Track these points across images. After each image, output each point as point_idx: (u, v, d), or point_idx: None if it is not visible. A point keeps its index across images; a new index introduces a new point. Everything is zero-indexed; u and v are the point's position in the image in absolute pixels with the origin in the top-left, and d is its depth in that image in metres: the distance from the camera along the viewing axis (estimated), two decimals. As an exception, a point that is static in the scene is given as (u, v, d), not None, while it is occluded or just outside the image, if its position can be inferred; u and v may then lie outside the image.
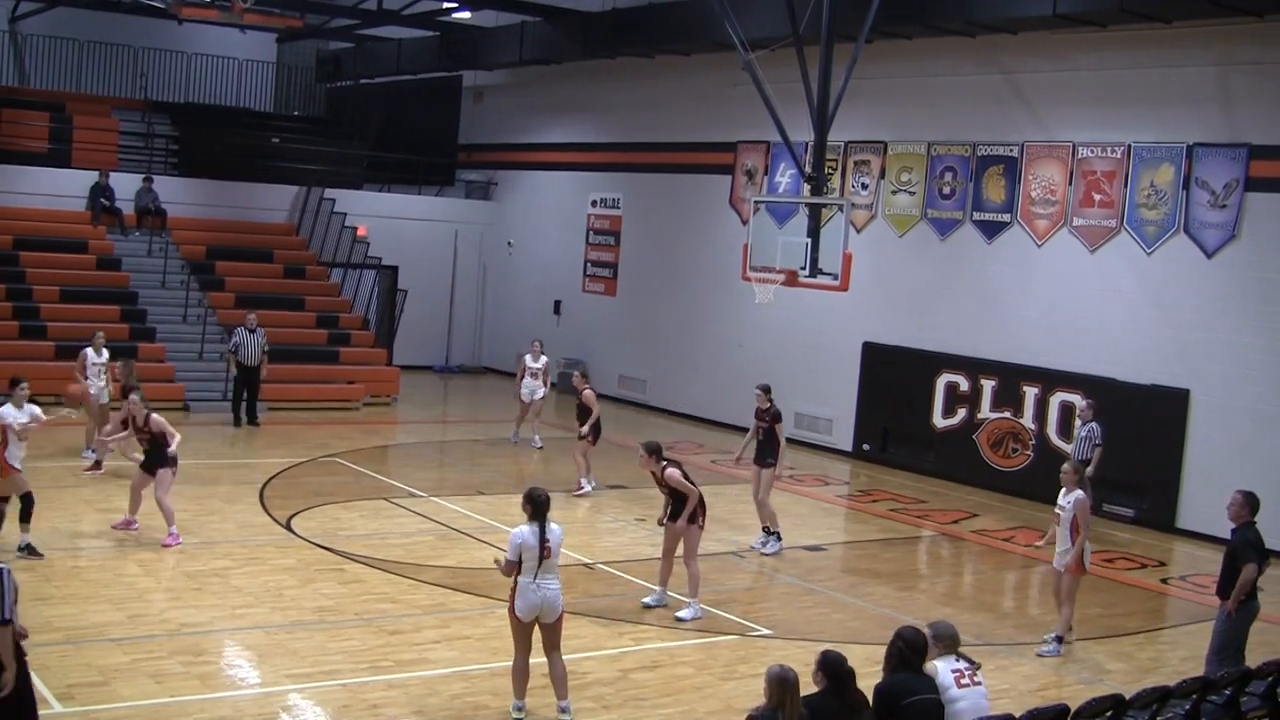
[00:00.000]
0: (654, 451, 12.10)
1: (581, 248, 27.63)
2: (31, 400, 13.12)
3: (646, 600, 12.32)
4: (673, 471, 12.04)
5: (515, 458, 19.79)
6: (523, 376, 20.23)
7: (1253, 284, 16.90)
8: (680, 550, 12.18)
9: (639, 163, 26.20)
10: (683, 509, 12.00)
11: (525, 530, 9.15)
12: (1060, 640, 11.87)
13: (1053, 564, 12.17)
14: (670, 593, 12.34)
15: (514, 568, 9.11)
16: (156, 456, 13.37)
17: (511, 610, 9.17)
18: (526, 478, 18.05)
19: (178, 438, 13.49)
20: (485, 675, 10.11)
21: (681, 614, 11.99)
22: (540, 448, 20.14)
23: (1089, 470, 15.45)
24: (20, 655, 7.10)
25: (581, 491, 17.14)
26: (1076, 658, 11.86)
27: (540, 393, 20.14)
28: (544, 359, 20.31)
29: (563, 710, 9.25)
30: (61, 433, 18.54)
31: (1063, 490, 11.97)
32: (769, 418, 14.86)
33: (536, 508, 9.21)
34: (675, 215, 25.32)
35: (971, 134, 20.15)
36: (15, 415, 12.75)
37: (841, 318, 21.49)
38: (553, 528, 9.24)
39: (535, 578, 9.08)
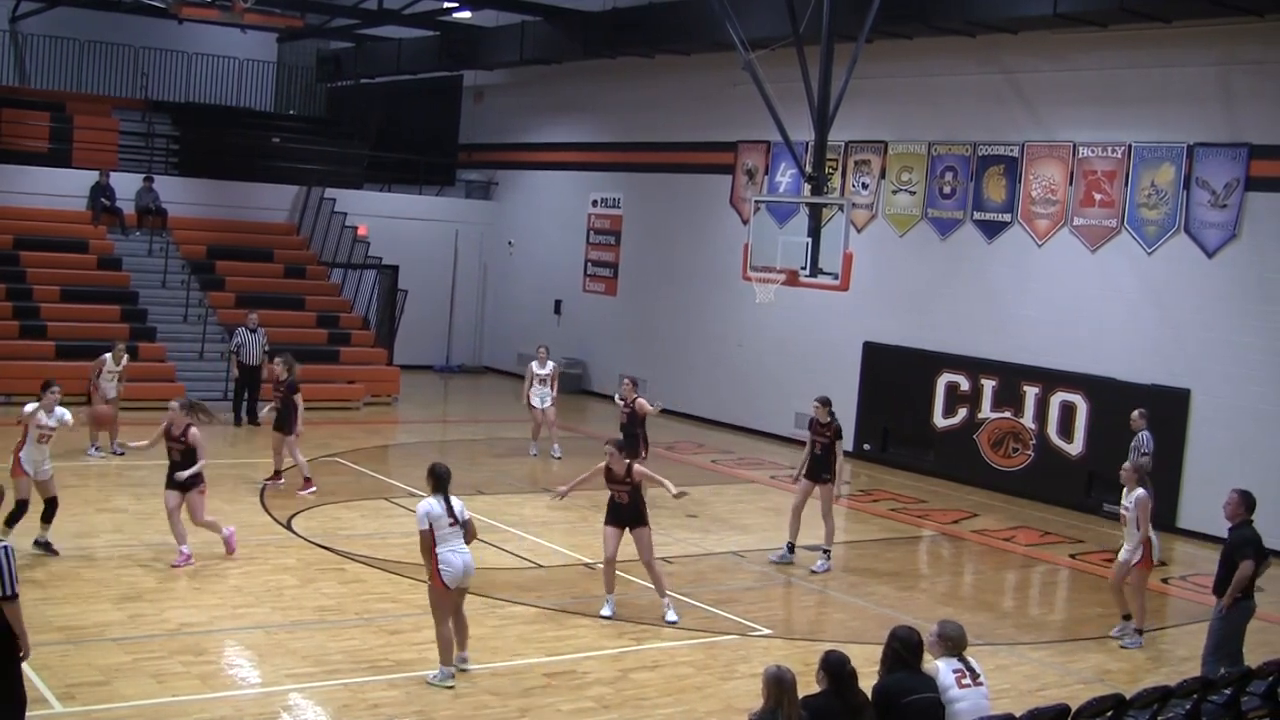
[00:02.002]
0: (621, 448, 11.98)
1: (582, 247, 27.63)
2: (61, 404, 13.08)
3: (604, 611, 11.90)
4: (640, 467, 12.01)
5: (515, 458, 19.75)
6: (531, 384, 19.59)
7: (1253, 284, 16.90)
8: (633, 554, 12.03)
9: (639, 162, 26.20)
10: (643, 508, 11.89)
11: (430, 502, 9.91)
12: (1140, 631, 12.27)
13: (1118, 560, 12.47)
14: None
15: (428, 536, 9.81)
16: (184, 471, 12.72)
17: (439, 580, 9.80)
18: (525, 478, 18.05)
19: (204, 461, 12.92)
20: (486, 675, 10.11)
21: (669, 616, 11.88)
22: (559, 457, 19.50)
23: None
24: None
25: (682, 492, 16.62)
26: (1077, 657, 11.87)
27: (550, 399, 19.60)
28: (551, 364, 19.80)
29: (462, 660, 10.10)
30: (63, 433, 18.52)
31: (1124, 491, 12.27)
32: (830, 432, 14.31)
33: (438, 481, 9.98)
34: (676, 215, 25.32)
35: (972, 134, 20.15)
36: (42, 416, 12.68)
37: (842, 317, 21.48)
38: (455, 501, 9.97)
39: (453, 545, 9.84)
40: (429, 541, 9.81)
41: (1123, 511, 12.26)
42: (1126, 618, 12.41)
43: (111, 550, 12.94)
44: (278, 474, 16.37)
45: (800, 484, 14.52)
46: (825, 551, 14.41)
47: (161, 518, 14.14)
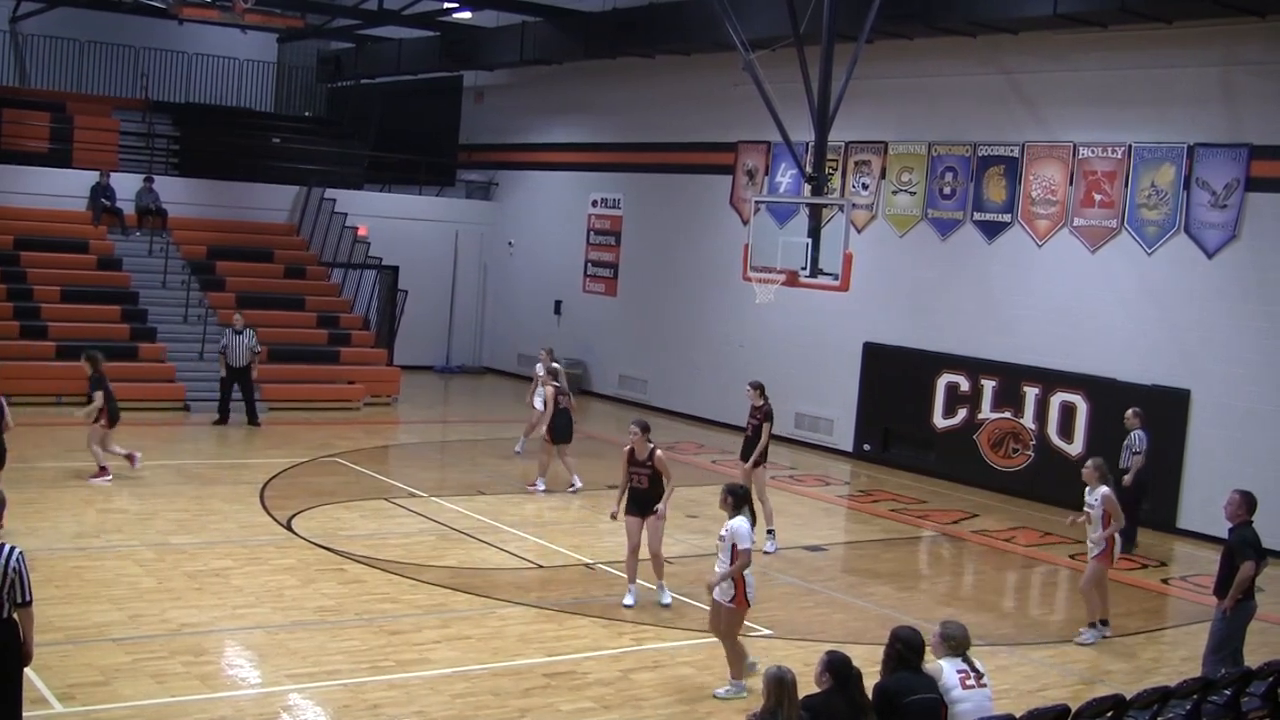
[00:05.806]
0: (646, 428, 12.26)
1: (582, 248, 27.63)
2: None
3: (627, 601, 12.25)
4: (661, 454, 12.22)
5: (516, 459, 19.72)
6: (538, 386, 19.52)
7: (1253, 284, 16.90)
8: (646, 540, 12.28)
9: (640, 163, 26.20)
10: (662, 495, 12.16)
11: (747, 524, 9.92)
12: (1093, 626, 12.24)
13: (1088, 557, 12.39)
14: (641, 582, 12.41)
15: (749, 556, 9.80)
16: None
17: (744, 600, 9.88)
18: (526, 478, 17.99)
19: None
20: (486, 675, 10.11)
21: (665, 599, 12.23)
22: (519, 452, 19.82)
23: (1126, 479, 15.54)
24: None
25: (536, 489, 17.15)
26: (1077, 657, 11.87)
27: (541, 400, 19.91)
28: (554, 366, 19.80)
29: (752, 666, 10.06)
30: (63, 433, 18.56)
31: (1088, 489, 12.15)
32: (760, 415, 15.03)
33: (739, 501, 10.03)
34: (676, 215, 25.32)
35: (972, 134, 20.15)
36: None
37: (842, 318, 21.48)
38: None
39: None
40: (748, 561, 9.80)
41: (1087, 510, 12.14)
42: (1093, 624, 12.32)
43: (111, 550, 12.93)
44: (103, 469, 15.93)
45: (739, 467, 15.33)
46: (769, 531, 14.79)
47: (162, 518, 14.19)
